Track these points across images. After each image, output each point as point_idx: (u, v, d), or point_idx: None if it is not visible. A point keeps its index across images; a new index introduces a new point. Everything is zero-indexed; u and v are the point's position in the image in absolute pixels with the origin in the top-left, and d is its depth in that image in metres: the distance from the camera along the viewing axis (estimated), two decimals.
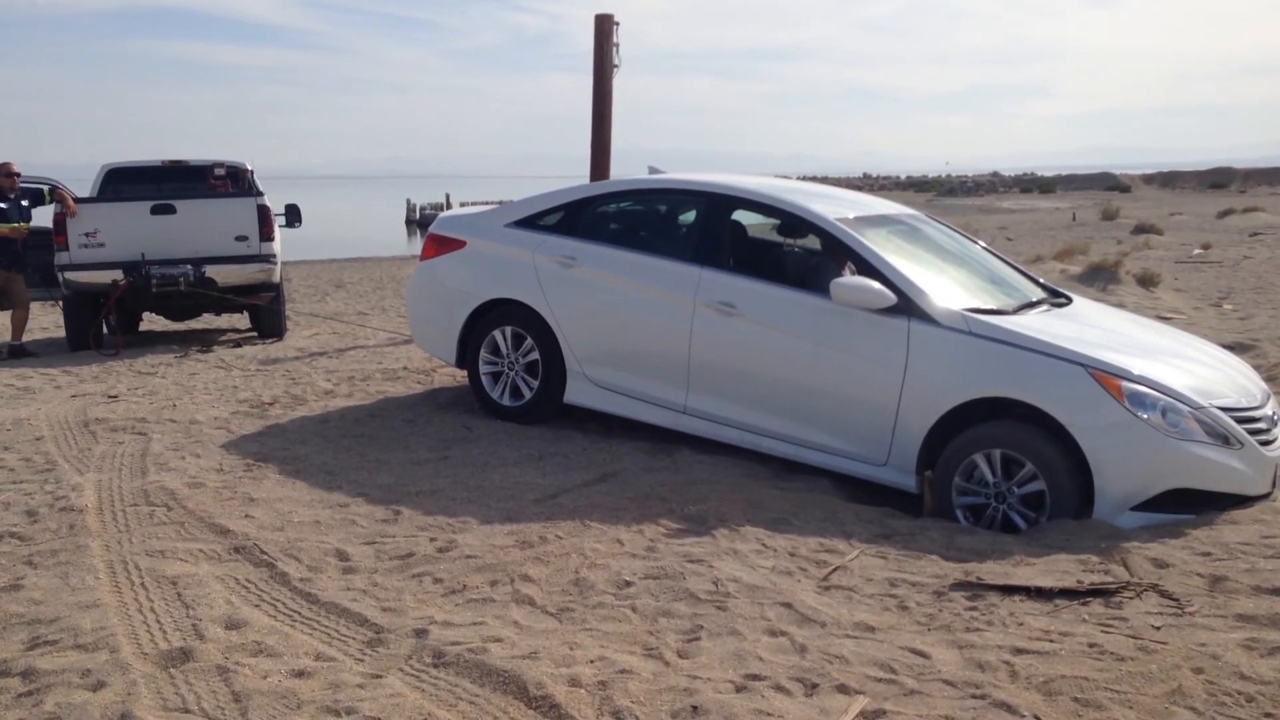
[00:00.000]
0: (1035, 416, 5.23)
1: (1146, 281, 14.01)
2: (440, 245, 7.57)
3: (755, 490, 5.62)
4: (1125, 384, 5.16)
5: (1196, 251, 21.16)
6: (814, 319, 5.97)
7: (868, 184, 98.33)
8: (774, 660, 3.58)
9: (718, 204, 6.64)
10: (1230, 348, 9.65)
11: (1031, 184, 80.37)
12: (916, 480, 5.63)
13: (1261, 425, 5.39)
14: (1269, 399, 5.76)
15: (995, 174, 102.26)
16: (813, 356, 5.95)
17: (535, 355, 7.05)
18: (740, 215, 6.77)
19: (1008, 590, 4.20)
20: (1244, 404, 5.42)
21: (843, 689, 3.36)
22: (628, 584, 4.29)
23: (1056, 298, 6.58)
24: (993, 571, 4.45)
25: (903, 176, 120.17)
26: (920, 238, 6.77)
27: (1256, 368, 8.42)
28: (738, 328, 6.21)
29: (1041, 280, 6.98)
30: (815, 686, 3.38)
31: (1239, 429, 5.23)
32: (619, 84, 11.64)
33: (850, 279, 5.82)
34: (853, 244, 6.04)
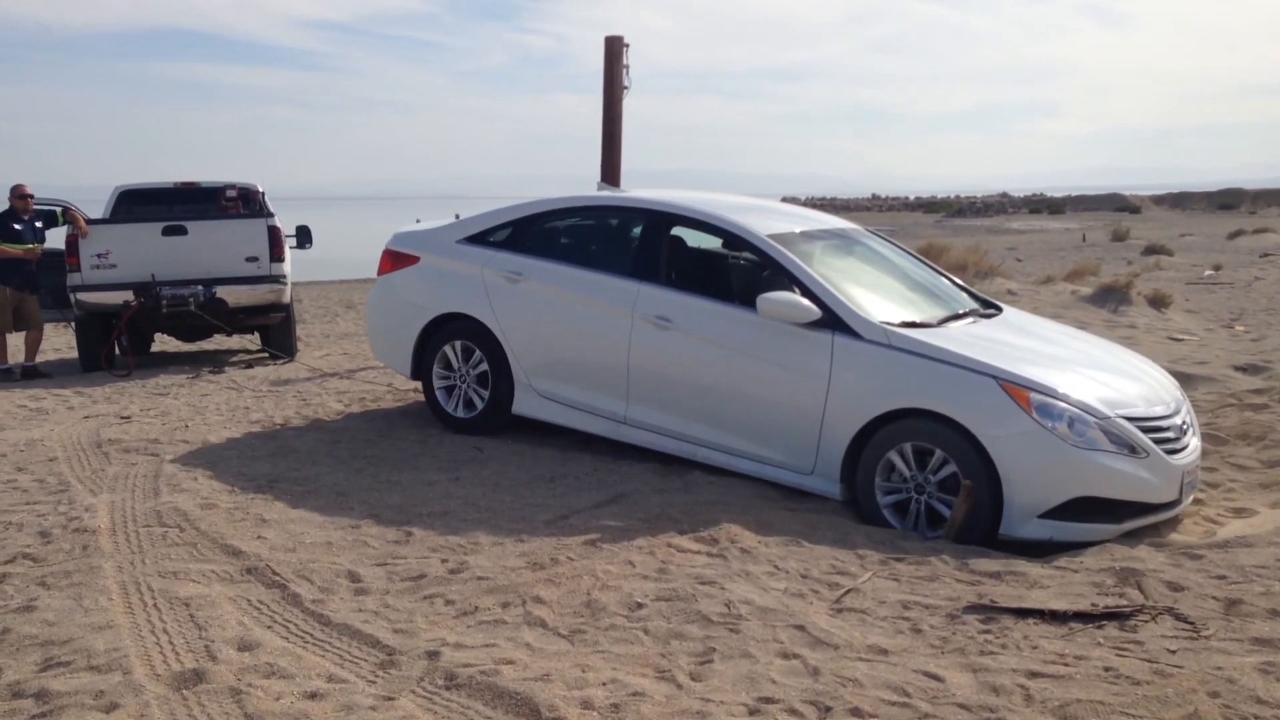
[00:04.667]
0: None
1: (1158, 303, 13.98)
2: (396, 260, 7.80)
3: (766, 512, 5.61)
4: (1033, 395, 5.33)
5: (1208, 273, 21.13)
6: (744, 332, 6.15)
7: (876, 204, 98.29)
8: (787, 683, 3.57)
9: (655, 220, 6.85)
10: (1242, 369, 9.64)
11: (1040, 204, 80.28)
12: (841, 488, 5.81)
13: (1169, 434, 5.54)
14: (1181, 408, 5.89)
15: (1004, 194, 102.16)
16: (743, 369, 6.14)
17: (485, 368, 7.24)
18: (680, 231, 6.95)
19: (1022, 613, 4.18)
20: (1153, 413, 5.56)
21: (856, 712, 3.34)
22: (639, 606, 4.28)
23: (987, 309, 6.80)
24: (1006, 594, 4.43)
25: (911, 197, 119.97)
26: (856, 252, 7.01)
27: (1268, 390, 8.39)
28: (673, 341, 6.40)
29: (973, 291, 7.20)
30: (828, 710, 3.37)
31: (1144, 438, 5.37)
32: (627, 104, 11.70)
33: (776, 294, 5.99)
34: (780, 259, 6.23)
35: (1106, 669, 3.63)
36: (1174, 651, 3.78)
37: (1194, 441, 5.81)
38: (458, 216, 8.20)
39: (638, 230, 6.95)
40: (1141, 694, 3.41)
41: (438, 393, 7.50)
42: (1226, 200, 68.29)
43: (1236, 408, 7.88)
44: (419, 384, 7.99)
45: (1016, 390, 5.34)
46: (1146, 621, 4.08)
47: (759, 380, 6.08)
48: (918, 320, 6.07)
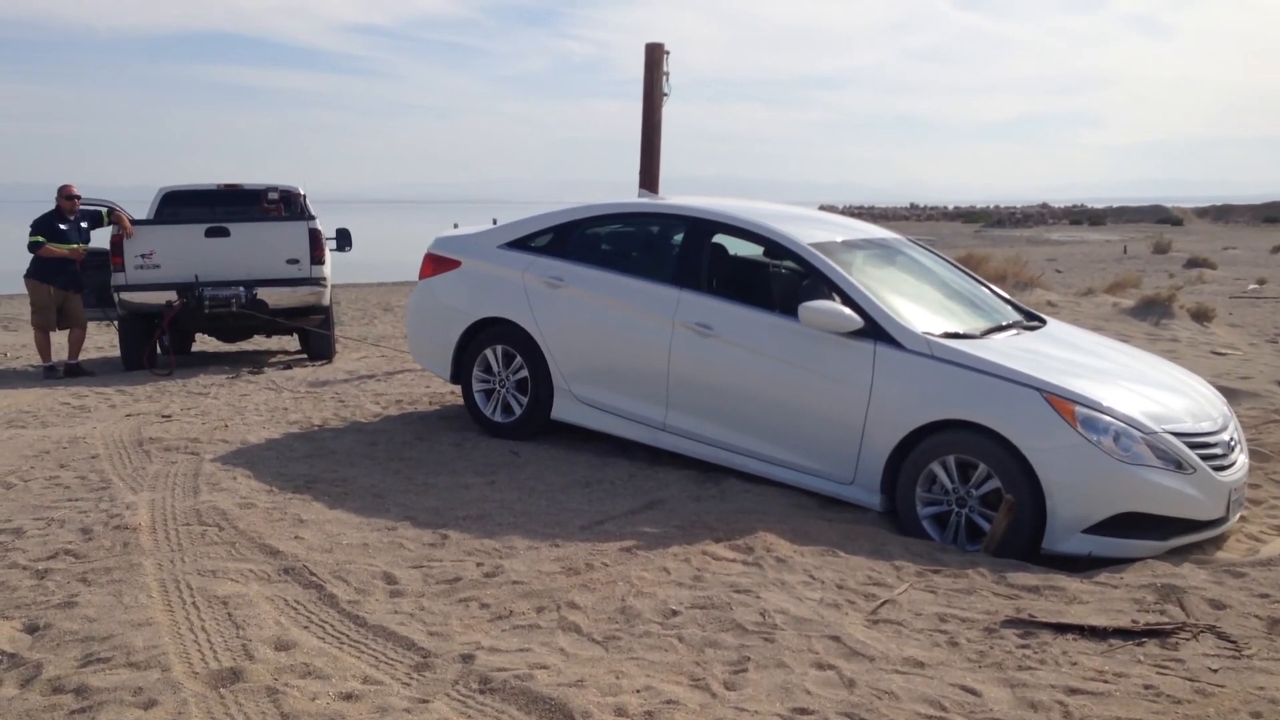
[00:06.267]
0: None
1: (1201, 316, 13.80)
2: (438, 264, 7.85)
3: (802, 521, 5.59)
4: (1079, 408, 5.27)
5: (1252, 286, 20.84)
6: (785, 341, 6.14)
7: (915, 214, 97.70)
8: (822, 694, 3.55)
9: (697, 228, 6.85)
10: None
11: (1081, 216, 79.50)
12: (881, 499, 5.78)
13: (1216, 450, 5.47)
14: (1228, 424, 5.80)
15: (1044, 205, 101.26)
16: (784, 377, 6.12)
17: (525, 373, 7.26)
18: (721, 239, 6.96)
19: (1061, 629, 4.13)
20: (1200, 429, 5.49)
21: None
22: (674, 613, 4.28)
23: (1030, 321, 6.76)
24: (1045, 609, 4.38)
25: (950, 207, 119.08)
26: (898, 262, 6.98)
27: None
28: (714, 348, 6.40)
29: (1017, 303, 7.15)
30: None
31: (1191, 454, 5.30)
32: (667, 110, 11.70)
33: (818, 303, 5.97)
34: (823, 268, 6.21)
35: (1147, 687, 3.58)
36: (1215, 670, 3.73)
37: (1241, 458, 5.73)
38: (495, 221, 8.24)
39: (679, 237, 6.96)
40: (1182, 713, 3.37)
41: (477, 396, 7.54)
42: (1271, 214, 67.25)
43: None
44: (457, 388, 8.04)
45: (1061, 403, 5.28)
46: (1188, 639, 4.02)
47: (799, 389, 6.06)
48: (960, 331, 6.03)
